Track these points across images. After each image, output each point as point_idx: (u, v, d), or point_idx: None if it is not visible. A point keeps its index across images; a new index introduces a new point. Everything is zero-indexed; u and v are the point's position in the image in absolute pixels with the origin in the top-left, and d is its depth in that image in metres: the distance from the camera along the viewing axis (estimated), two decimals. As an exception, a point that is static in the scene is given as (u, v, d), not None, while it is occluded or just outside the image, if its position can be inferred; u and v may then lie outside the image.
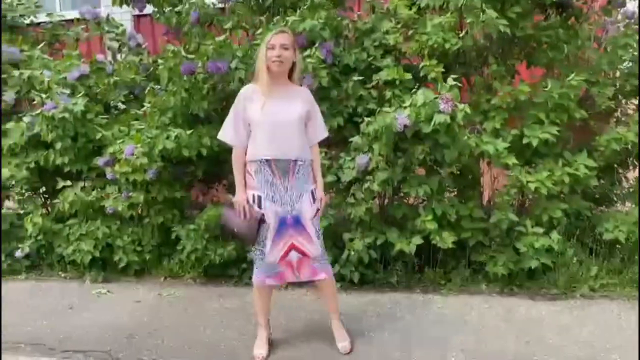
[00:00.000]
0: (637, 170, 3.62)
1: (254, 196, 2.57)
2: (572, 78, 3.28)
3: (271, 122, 2.50)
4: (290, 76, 2.62)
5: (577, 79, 3.27)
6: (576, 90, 3.32)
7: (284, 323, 3.06)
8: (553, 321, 2.96)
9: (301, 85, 2.84)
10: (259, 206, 2.56)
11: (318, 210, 2.65)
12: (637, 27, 3.44)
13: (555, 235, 3.24)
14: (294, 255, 2.59)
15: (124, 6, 4.18)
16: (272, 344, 2.80)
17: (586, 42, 3.55)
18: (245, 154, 2.59)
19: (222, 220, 2.67)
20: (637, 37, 3.37)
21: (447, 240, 3.24)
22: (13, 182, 3.99)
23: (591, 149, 3.44)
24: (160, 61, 3.65)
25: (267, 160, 2.53)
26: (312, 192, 2.62)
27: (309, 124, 2.64)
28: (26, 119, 3.86)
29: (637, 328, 2.81)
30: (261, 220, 2.56)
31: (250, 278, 3.66)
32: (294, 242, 2.57)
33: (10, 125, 3.95)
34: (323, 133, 2.73)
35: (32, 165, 3.94)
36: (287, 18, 3.45)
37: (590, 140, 3.50)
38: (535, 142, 3.27)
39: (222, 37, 3.50)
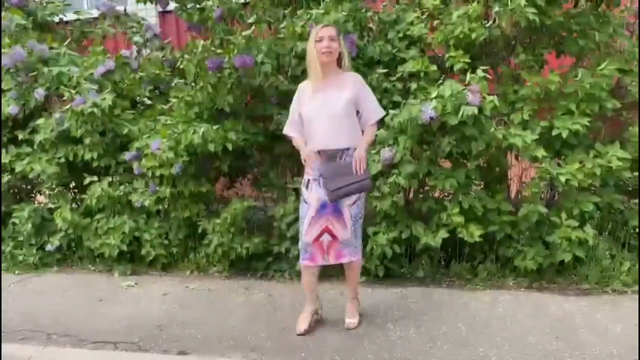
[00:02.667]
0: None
1: (306, 180, 2.80)
2: (604, 67, 3.18)
3: (318, 116, 2.71)
4: (339, 65, 2.78)
5: (609, 68, 3.18)
6: (608, 79, 3.21)
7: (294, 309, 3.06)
8: (584, 317, 2.90)
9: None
10: (307, 188, 2.79)
11: (359, 196, 2.77)
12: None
13: (589, 228, 3.16)
14: (325, 237, 2.78)
15: (149, 3, 4.22)
16: (320, 321, 2.94)
17: (618, 30, 3.44)
18: (304, 141, 2.83)
19: (328, 182, 2.69)
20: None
21: (474, 234, 3.20)
22: (44, 177, 4.08)
23: (624, 140, 3.34)
24: (186, 56, 3.67)
25: (321, 151, 2.74)
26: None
27: (361, 107, 2.77)
28: (56, 115, 3.94)
29: (638, 327, 2.72)
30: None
31: (276, 271, 3.71)
32: (328, 225, 2.76)
33: (40, 121, 4.03)
34: (377, 114, 2.83)
35: (62, 160, 4.02)
36: (311, 11, 3.43)
37: (623, 131, 3.40)
38: (565, 134, 3.19)
39: (247, 32, 3.50)
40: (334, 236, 2.77)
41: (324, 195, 2.72)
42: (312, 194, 2.76)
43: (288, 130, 2.91)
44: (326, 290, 3.36)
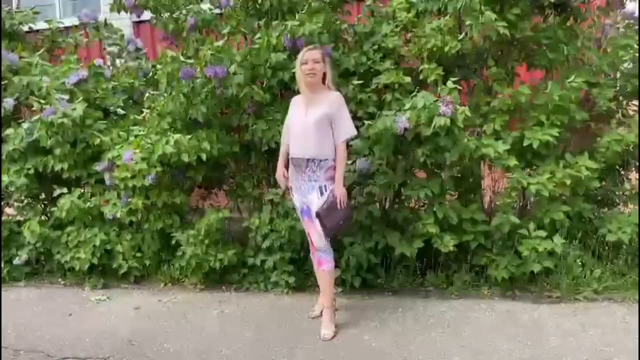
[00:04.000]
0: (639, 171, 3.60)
1: (288, 187, 3.06)
2: (573, 80, 3.26)
3: (297, 125, 2.93)
4: (324, 83, 2.96)
5: (577, 80, 3.26)
6: (577, 91, 3.30)
7: (266, 321, 3.04)
8: (556, 325, 2.93)
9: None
10: (292, 195, 3.04)
11: (325, 203, 2.86)
12: (637, 27, 3.43)
13: (557, 238, 3.22)
14: (310, 241, 2.98)
15: (123, 13, 4.18)
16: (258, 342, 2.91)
17: (586, 43, 3.54)
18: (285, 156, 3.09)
19: (322, 218, 2.84)
20: (638, 38, 3.36)
21: (448, 243, 3.22)
22: (12, 189, 3.97)
23: (592, 150, 3.42)
24: (159, 66, 3.64)
25: (292, 158, 2.95)
26: (320, 188, 2.88)
27: (334, 125, 2.90)
28: (25, 125, 3.85)
29: (638, 331, 2.78)
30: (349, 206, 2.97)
31: (250, 283, 3.68)
32: (308, 229, 2.96)
33: (9, 131, 3.94)
34: (346, 133, 2.93)
35: (32, 171, 3.93)
36: (286, 22, 3.45)
37: (592, 142, 3.49)
38: (536, 144, 3.26)
39: (220, 42, 3.49)
40: (312, 242, 2.94)
41: (300, 201, 2.97)
42: (295, 200, 3.03)
43: (283, 140, 3.12)
44: (304, 299, 3.34)
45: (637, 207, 3.45)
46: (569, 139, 3.52)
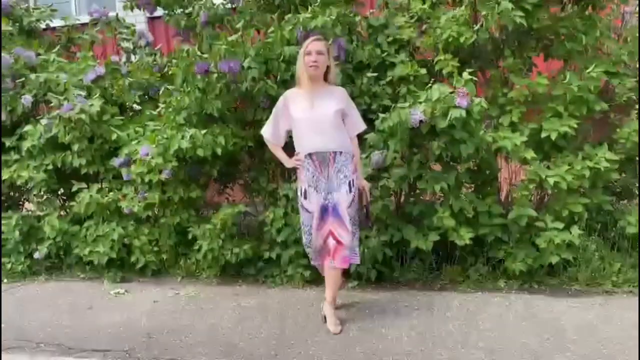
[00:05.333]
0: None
1: (302, 190, 2.90)
2: (592, 70, 3.21)
3: (310, 118, 2.81)
4: (326, 78, 2.88)
5: (596, 70, 3.21)
6: (596, 82, 3.25)
7: (284, 315, 3.06)
8: (574, 318, 2.90)
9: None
10: (305, 198, 2.88)
11: (354, 198, 2.86)
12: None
13: (575, 230, 3.18)
14: (331, 241, 2.85)
15: (136, 10, 4.21)
16: (273, 337, 2.89)
17: (605, 33, 3.47)
18: (280, 148, 3.00)
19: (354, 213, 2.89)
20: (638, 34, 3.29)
21: (464, 236, 3.20)
22: (32, 185, 4.04)
23: (612, 141, 3.37)
24: (174, 61, 3.66)
25: (309, 154, 2.83)
26: (349, 183, 2.84)
27: (346, 120, 2.90)
28: (43, 122, 3.90)
29: (638, 328, 2.73)
30: (366, 206, 2.97)
31: (266, 276, 3.69)
32: (332, 229, 2.84)
33: (28, 127, 4.00)
34: (360, 127, 2.99)
35: (50, 167, 3.98)
36: (299, 15, 3.44)
37: (611, 133, 3.43)
38: (554, 136, 3.22)
39: (234, 37, 3.50)
40: (339, 242, 2.83)
41: (323, 199, 2.84)
42: (312, 202, 2.85)
43: (268, 134, 3.01)
44: (320, 293, 3.35)
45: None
46: (587, 130, 3.46)
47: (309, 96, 2.82)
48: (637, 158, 3.39)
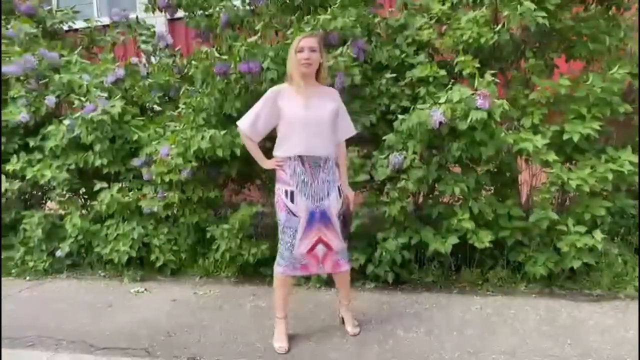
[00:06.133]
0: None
1: (286, 192, 2.70)
2: (615, 71, 3.15)
3: (306, 119, 2.62)
4: (317, 77, 2.72)
5: (620, 71, 3.15)
6: (619, 83, 3.19)
7: (300, 316, 3.07)
8: (596, 323, 2.86)
9: (331, 85, 2.95)
10: (292, 201, 2.67)
11: (343, 205, 2.75)
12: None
13: (598, 234, 3.12)
14: (320, 248, 2.71)
15: (157, 12, 4.26)
16: (290, 338, 2.83)
17: (628, 33, 3.41)
18: (256, 144, 2.80)
19: (346, 220, 2.76)
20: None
21: (484, 239, 3.17)
22: (54, 184, 4.11)
23: (635, 144, 3.30)
24: (193, 63, 3.69)
25: (299, 157, 2.65)
26: (338, 188, 2.74)
27: (337, 122, 2.75)
28: (66, 122, 3.97)
29: (638, 329, 2.69)
30: (346, 213, 2.77)
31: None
32: (321, 235, 2.69)
33: (51, 128, 4.07)
34: (350, 131, 2.86)
35: (72, 167, 4.05)
36: (318, 17, 3.44)
37: (635, 136, 3.37)
38: (576, 138, 3.16)
39: (253, 38, 3.52)
40: (329, 247, 2.71)
41: (312, 205, 2.66)
42: (299, 206, 2.66)
43: (246, 126, 2.75)
44: (322, 295, 3.34)
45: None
46: (610, 133, 3.41)
47: (303, 95, 2.62)
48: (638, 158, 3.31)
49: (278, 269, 2.79)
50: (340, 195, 2.73)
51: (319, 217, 2.67)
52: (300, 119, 2.62)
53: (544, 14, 3.07)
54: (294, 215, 2.68)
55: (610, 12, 3.48)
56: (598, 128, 3.17)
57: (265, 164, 2.79)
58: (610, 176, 3.11)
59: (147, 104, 4.26)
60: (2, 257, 4.31)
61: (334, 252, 2.73)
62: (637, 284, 3.18)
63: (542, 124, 3.31)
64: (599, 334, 2.73)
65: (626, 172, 3.11)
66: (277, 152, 2.73)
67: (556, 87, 3.26)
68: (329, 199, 2.69)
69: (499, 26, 3.32)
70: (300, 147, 2.64)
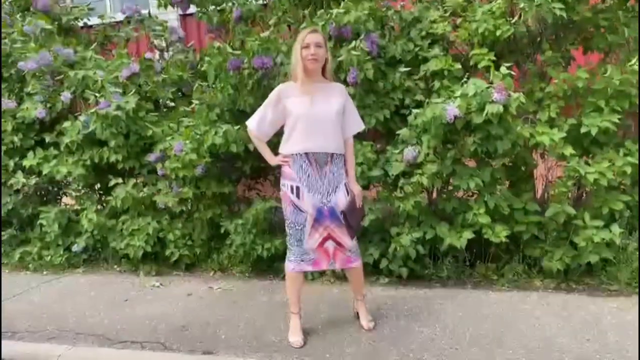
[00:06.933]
0: None
1: (292, 187, 2.69)
2: (634, 63, 3.10)
3: (311, 116, 2.62)
4: (323, 72, 2.72)
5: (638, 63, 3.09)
6: (638, 75, 3.13)
7: (315, 311, 3.07)
8: (614, 318, 2.82)
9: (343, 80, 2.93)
10: (297, 196, 2.67)
11: (348, 201, 2.71)
12: None
13: (616, 228, 3.08)
14: (330, 244, 2.72)
15: (169, 7, 4.26)
16: (305, 332, 2.84)
17: (648, 25, 3.35)
18: (264, 142, 2.82)
19: (350, 217, 2.71)
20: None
21: (499, 234, 3.15)
22: (70, 179, 4.15)
23: (655, 137, 3.25)
24: (206, 58, 3.70)
25: (305, 153, 2.65)
26: (346, 185, 2.72)
27: (345, 118, 2.74)
28: (82, 118, 4.00)
29: (638, 329, 2.65)
30: (354, 209, 2.73)
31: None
32: (330, 232, 2.69)
33: (67, 124, 4.10)
34: (358, 126, 2.84)
35: (88, 162, 4.09)
36: (331, 10, 3.42)
37: (654, 129, 3.31)
38: (594, 131, 3.12)
39: (266, 33, 3.51)
40: (339, 244, 2.71)
41: (319, 202, 2.66)
42: (306, 202, 2.66)
43: (253, 126, 2.77)
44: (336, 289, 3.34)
45: None
46: (629, 126, 3.35)
47: (307, 92, 2.61)
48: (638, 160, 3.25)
49: (289, 265, 2.79)
50: (348, 193, 2.71)
51: (328, 215, 2.66)
52: (305, 116, 2.62)
53: (561, 5, 3.02)
54: (300, 210, 2.68)
55: (628, 4, 3.41)
56: (617, 121, 3.12)
57: (273, 160, 2.80)
58: (629, 170, 3.06)
59: (161, 100, 4.28)
60: (20, 252, 4.37)
61: (345, 249, 2.72)
62: (656, 279, 3.14)
63: (558, 118, 3.26)
64: (617, 330, 2.70)
65: (645, 165, 3.06)
66: (283, 148, 2.73)
67: (573, 80, 3.21)
68: (336, 195, 2.67)
69: (515, 18, 3.27)
70: (306, 144, 2.64)
